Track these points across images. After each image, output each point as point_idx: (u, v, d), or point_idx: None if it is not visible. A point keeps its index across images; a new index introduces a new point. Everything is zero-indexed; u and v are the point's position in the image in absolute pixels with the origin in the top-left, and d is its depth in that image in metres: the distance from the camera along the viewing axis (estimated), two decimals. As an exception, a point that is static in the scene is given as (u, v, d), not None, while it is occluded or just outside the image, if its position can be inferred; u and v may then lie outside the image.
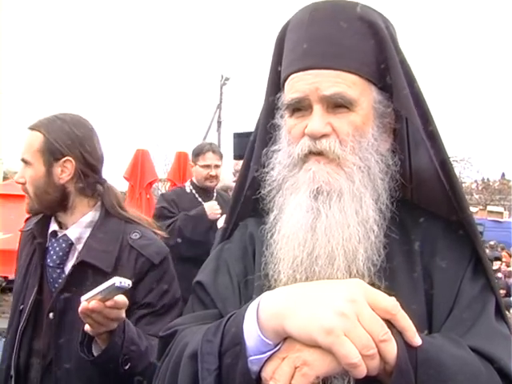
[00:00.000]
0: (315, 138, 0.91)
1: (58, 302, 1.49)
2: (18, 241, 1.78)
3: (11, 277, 8.83)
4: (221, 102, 20.63)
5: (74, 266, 1.49)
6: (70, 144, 1.53)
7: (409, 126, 1.04)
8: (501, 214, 18.41)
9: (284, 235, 0.93)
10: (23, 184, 1.55)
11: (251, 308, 0.78)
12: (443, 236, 0.96)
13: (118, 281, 1.15)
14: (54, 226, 1.59)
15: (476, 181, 33.48)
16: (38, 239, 1.58)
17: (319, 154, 0.92)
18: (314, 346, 0.71)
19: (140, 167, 8.23)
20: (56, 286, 1.52)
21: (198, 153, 3.79)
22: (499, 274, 9.76)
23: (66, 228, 1.57)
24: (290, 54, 0.98)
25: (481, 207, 22.26)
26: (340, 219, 0.89)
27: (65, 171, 1.53)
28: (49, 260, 1.55)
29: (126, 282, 1.17)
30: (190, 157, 3.98)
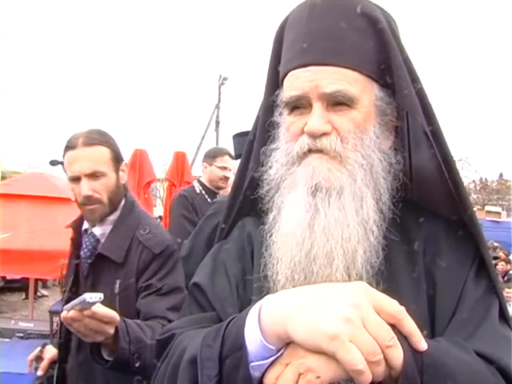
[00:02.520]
0: (315, 136, 0.89)
1: (85, 287, 1.81)
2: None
3: (9, 276, 8.84)
4: (219, 101, 20.57)
5: (94, 257, 1.81)
6: (119, 151, 1.94)
7: (410, 124, 1.02)
8: (499, 214, 18.41)
9: (282, 234, 0.91)
10: (91, 196, 1.80)
11: (252, 312, 0.75)
12: (445, 236, 0.94)
13: (88, 296, 1.24)
14: (85, 225, 1.91)
15: (474, 181, 33.55)
16: (73, 236, 1.95)
17: (320, 151, 0.90)
18: (318, 351, 0.68)
19: (138, 167, 8.23)
20: (85, 274, 1.87)
21: (216, 154, 3.88)
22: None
23: (94, 225, 1.87)
24: (288, 51, 0.96)
25: (479, 207, 22.30)
26: (340, 218, 0.87)
27: (124, 172, 1.94)
28: (82, 253, 1.87)
29: (97, 297, 1.26)
30: (200, 158, 4.05)
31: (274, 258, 0.92)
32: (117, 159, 1.89)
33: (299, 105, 0.93)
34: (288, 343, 0.72)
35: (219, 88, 20.69)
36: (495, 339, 0.83)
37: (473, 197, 31.55)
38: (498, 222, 16.70)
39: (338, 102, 0.89)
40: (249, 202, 1.07)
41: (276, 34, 1.01)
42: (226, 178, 3.82)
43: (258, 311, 0.75)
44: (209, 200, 3.77)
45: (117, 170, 1.88)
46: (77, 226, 1.95)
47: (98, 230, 1.86)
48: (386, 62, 0.92)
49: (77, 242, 1.93)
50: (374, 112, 0.93)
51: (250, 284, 0.97)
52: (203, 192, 3.83)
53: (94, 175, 1.79)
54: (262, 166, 1.00)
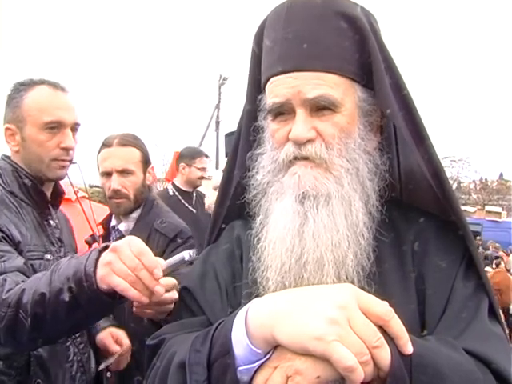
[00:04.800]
0: (300, 143, 0.89)
1: None
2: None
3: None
4: (219, 101, 20.54)
5: None
6: (149, 155, 2.13)
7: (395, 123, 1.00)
8: (499, 213, 18.44)
9: (271, 241, 0.91)
10: (119, 190, 1.99)
11: (239, 316, 0.75)
12: (435, 236, 0.94)
13: (187, 254, 1.09)
14: (113, 222, 2.13)
15: (474, 181, 33.67)
16: (102, 232, 2.14)
17: (305, 159, 0.89)
18: (306, 354, 0.68)
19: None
20: None
21: (194, 156, 3.97)
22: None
23: (120, 222, 2.08)
24: (268, 56, 0.95)
25: (479, 207, 22.28)
26: (328, 224, 0.87)
27: (150, 174, 2.12)
28: None
29: (194, 253, 1.11)
30: (179, 158, 4.07)
31: (263, 263, 0.91)
32: (145, 161, 2.09)
33: (282, 111, 0.92)
34: (276, 346, 0.72)
35: (219, 88, 20.68)
36: (485, 337, 0.83)
37: (473, 197, 31.67)
38: (498, 221, 16.75)
39: (320, 106, 0.89)
40: (236, 207, 1.07)
41: (255, 36, 1.00)
42: (203, 178, 3.98)
43: (245, 315, 0.74)
44: (183, 201, 3.83)
45: (144, 171, 2.08)
46: (106, 223, 2.17)
47: (122, 226, 2.07)
48: (366, 62, 0.91)
49: (106, 239, 2.13)
50: (358, 114, 0.92)
51: (240, 289, 0.96)
52: (177, 193, 3.87)
53: (124, 172, 2.00)
54: (249, 171, 1.00)
